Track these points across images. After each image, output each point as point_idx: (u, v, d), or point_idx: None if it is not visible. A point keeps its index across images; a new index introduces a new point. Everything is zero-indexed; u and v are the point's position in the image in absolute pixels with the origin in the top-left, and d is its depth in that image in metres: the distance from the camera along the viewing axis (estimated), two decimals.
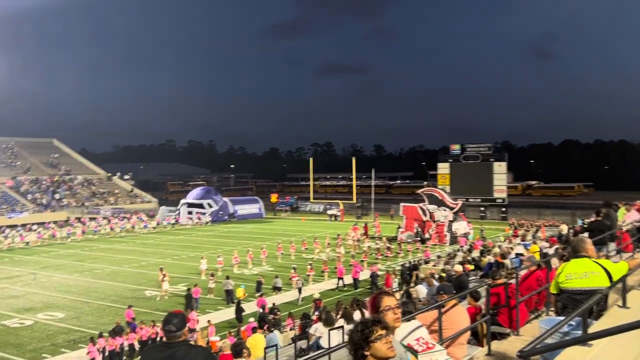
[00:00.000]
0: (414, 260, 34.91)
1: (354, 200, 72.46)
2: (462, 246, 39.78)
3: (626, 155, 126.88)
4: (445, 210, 48.97)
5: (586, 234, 10.77)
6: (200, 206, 67.65)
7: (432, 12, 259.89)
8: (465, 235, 47.57)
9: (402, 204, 54.09)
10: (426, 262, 33.47)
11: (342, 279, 31.25)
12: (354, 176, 73.00)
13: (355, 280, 31.46)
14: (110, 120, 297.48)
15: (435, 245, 45.96)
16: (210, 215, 67.11)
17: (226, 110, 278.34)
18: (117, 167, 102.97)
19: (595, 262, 5.61)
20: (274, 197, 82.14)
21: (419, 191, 56.32)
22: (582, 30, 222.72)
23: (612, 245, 13.57)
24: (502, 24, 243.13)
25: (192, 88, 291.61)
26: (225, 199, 73.16)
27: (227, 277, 29.42)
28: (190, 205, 68.24)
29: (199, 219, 65.78)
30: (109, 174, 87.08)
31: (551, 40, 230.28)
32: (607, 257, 12.49)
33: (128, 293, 30.57)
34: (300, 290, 28.68)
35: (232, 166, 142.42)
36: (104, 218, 63.41)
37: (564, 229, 21.90)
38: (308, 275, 32.24)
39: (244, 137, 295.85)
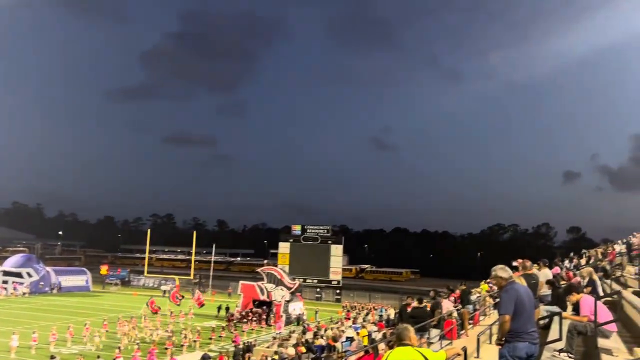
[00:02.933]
0: (248, 342, 34.29)
1: (192, 276, 70.17)
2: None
3: (448, 245, 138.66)
4: (282, 289, 49.29)
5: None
6: (18, 275, 61.50)
7: (284, 95, 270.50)
8: (300, 316, 47.98)
9: (240, 282, 53.57)
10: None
11: None
12: (193, 251, 71.07)
13: None
14: None
15: (262, 327, 45.04)
16: (29, 285, 61.05)
17: (59, 171, 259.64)
18: None
19: (416, 350, 5.99)
20: (104, 269, 77.09)
21: (259, 269, 56.38)
22: (414, 125, 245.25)
23: (435, 332, 14.57)
24: (348, 113, 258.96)
25: (22, 144, 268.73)
26: (49, 268, 67.36)
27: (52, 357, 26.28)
28: (6, 273, 61.72)
29: (15, 289, 59.46)
30: None
31: (389, 133, 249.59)
32: (430, 343, 13.37)
33: None
34: None
35: (60, 233, 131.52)
36: None
37: (392, 313, 23.02)
38: (133, 356, 30.13)
39: (77, 202, 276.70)
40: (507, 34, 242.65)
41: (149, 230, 74.87)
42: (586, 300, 8.23)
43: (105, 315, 42.92)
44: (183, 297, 50.82)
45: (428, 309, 15.45)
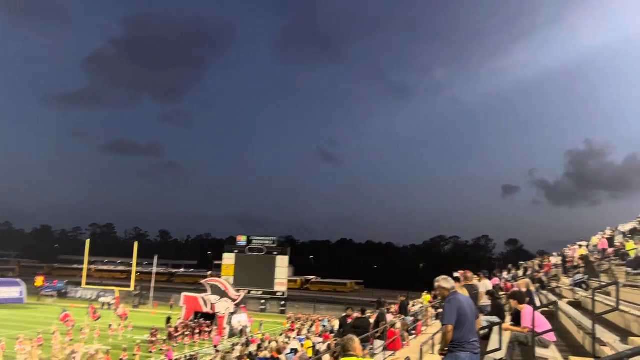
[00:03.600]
0: (190, 355, 33.66)
1: (132, 288, 68.33)
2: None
3: (392, 256, 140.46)
4: (227, 301, 48.64)
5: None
6: None
7: (232, 104, 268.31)
8: (244, 328, 47.46)
9: (183, 294, 52.55)
10: None
11: None
12: (134, 262, 69.24)
13: None
14: None
15: (204, 340, 44.19)
16: None
17: None
18: None
19: None
20: (39, 280, 74.05)
21: (203, 281, 55.49)
22: (360, 138, 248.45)
23: (379, 343, 14.69)
24: (296, 124, 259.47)
25: None
26: None
27: None
28: None
29: None
30: None
31: (335, 145, 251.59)
32: (373, 354, 13.47)
33: None
34: None
35: None
36: None
37: (336, 324, 23.09)
38: None
39: (12, 210, 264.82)
40: (449, 52, 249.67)
41: (88, 241, 72.45)
42: (527, 311, 8.48)
43: (40, 328, 41.15)
44: (118, 307, 49.32)
45: (372, 319, 15.57)
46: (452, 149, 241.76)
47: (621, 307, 8.58)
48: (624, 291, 12.27)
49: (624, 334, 8.97)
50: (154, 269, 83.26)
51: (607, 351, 6.99)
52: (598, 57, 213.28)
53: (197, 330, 44.87)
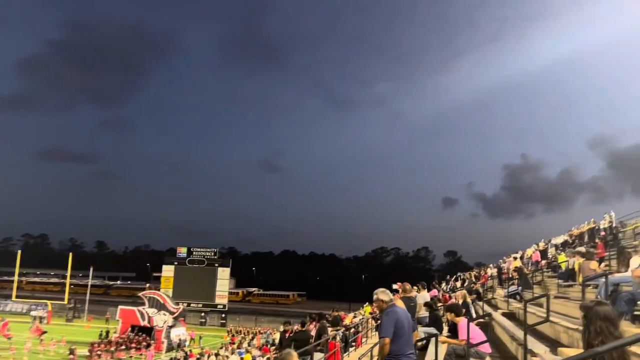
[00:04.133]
0: None
1: (66, 301, 65.77)
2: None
3: (335, 268, 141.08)
4: (165, 314, 47.54)
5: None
6: None
7: (175, 112, 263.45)
8: (182, 342, 46.47)
9: (120, 307, 51.08)
10: None
11: None
12: (68, 273, 66.78)
13: None
14: None
15: (141, 355, 42.88)
16: None
17: None
18: None
19: None
20: None
21: (141, 294, 54.05)
22: (304, 149, 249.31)
23: (319, 355, 14.65)
24: (240, 133, 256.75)
25: None
26: None
27: None
28: None
29: None
30: None
31: (280, 156, 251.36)
32: None
33: None
34: None
35: None
36: None
37: (277, 337, 22.92)
38: None
39: None
40: (393, 67, 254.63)
41: (19, 252, 69.47)
42: (463, 324, 8.64)
43: None
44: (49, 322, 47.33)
45: (313, 333, 15.53)
46: (395, 161, 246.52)
47: (552, 318, 8.85)
48: (555, 302, 12.70)
49: (554, 344, 9.26)
50: (90, 281, 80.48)
51: None
52: (536, 76, 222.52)
53: (133, 345, 43.58)
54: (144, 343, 44.97)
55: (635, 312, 7.52)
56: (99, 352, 38.83)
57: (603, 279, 8.90)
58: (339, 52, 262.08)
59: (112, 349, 40.85)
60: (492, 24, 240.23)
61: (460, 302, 14.48)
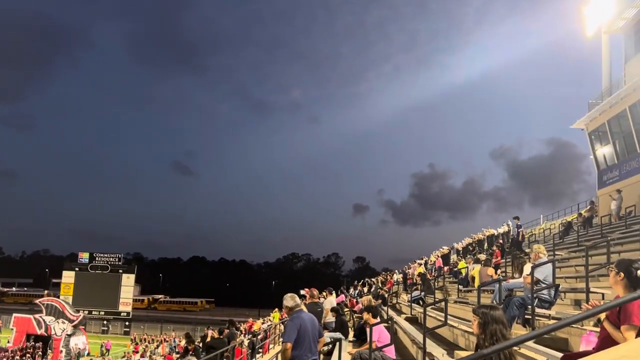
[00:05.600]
0: None
1: None
2: None
3: (246, 274, 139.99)
4: (64, 322, 45.23)
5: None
6: None
7: (82, 110, 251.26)
8: (82, 351, 44.44)
9: (14, 315, 48.12)
10: None
11: None
12: None
13: None
14: None
15: None
16: None
17: None
18: None
19: None
20: None
21: (38, 301, 51.07)
22: (216, 152, 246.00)
23: None
24: (150, 133, 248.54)
25: None
26: None
27: None
28: None
29: None
30: None
31: (191, 158, 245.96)
32: None
33: None
34: None
35: None
36: None
37: (183, 343, 22.46)
38: None
39: None
40: (308, 73, 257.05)
41: None
42: (378, 326, 8.80)
43: None
44: None
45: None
46: (308, 167, 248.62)
47: (450, 322, 9.23)
48: (454, 307, 13.27)
49: (452, 347, 9.65)
50: None
51: None
52: (445, 89, 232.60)
53: (27, 354, 41.18)
54: (39, 352, 42.63)
55: (526, 316, 7.98)
56: None
57: (498, 285, 9.40)
58: (256, 56, 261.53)
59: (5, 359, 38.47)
60: (404, 36, 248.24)
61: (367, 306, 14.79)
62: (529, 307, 7.81)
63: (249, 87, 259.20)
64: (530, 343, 6.12)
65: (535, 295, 7.95)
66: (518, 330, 7.92)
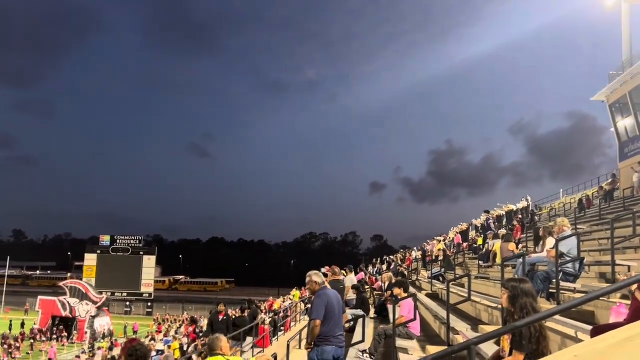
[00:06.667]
0: None
1: None
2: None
3: (264, 254, 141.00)
4: (88, 304, 46.09)
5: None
6: None
7: (100, 95, 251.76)
8: (108, 331, 45.32)
9: (39, 297, 49.10)
10: None
11: None
12: None
13: None
14: None
15: (64, 345, 41.79)
16: None
17: None
18: None
19: (228, 359, 5.95)
20: None
21: (61, 283, 52.04)
22: (234, 134, 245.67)
23: (249, 340, 14.68)
24: (167, 117, 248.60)
25: None
26: None
27: None
28: None
29: None
30: None
31: (209, 140, 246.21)
32: (242, 352, 13.39)
33: None
34: None
35: None
36: None
37: (205, 324, 22.72)
38: None
39: None
40: (323, 52, 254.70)
41: None
42: (406, 302, 8.77)
43: None
44: None
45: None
46: (325, 147, 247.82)
47: (473, 298, 9.22)
48: (475, 283, 13.25)
49: (475, 322, 9.66)
50: (6, 272, 76.73)
51: (460, 339, 7.48)
52: (461, 64, 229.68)
53: (54, 336, 42.14)
54: (65, 334, 43.56)
55: (551, 290, 7.94)
56: (10, 344, 37.19)
57: (520, 260, 9.34)
58: (270, 36, 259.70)
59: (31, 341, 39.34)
60: (419, 12, 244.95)
61: (387, 284, 14.84)
62: (554, 281, 7.77)
63: (264, 68, 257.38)
64: (557, 316, 6.08)
65: (559, 269, 7.88)
66: (543, 305, 7.89)
